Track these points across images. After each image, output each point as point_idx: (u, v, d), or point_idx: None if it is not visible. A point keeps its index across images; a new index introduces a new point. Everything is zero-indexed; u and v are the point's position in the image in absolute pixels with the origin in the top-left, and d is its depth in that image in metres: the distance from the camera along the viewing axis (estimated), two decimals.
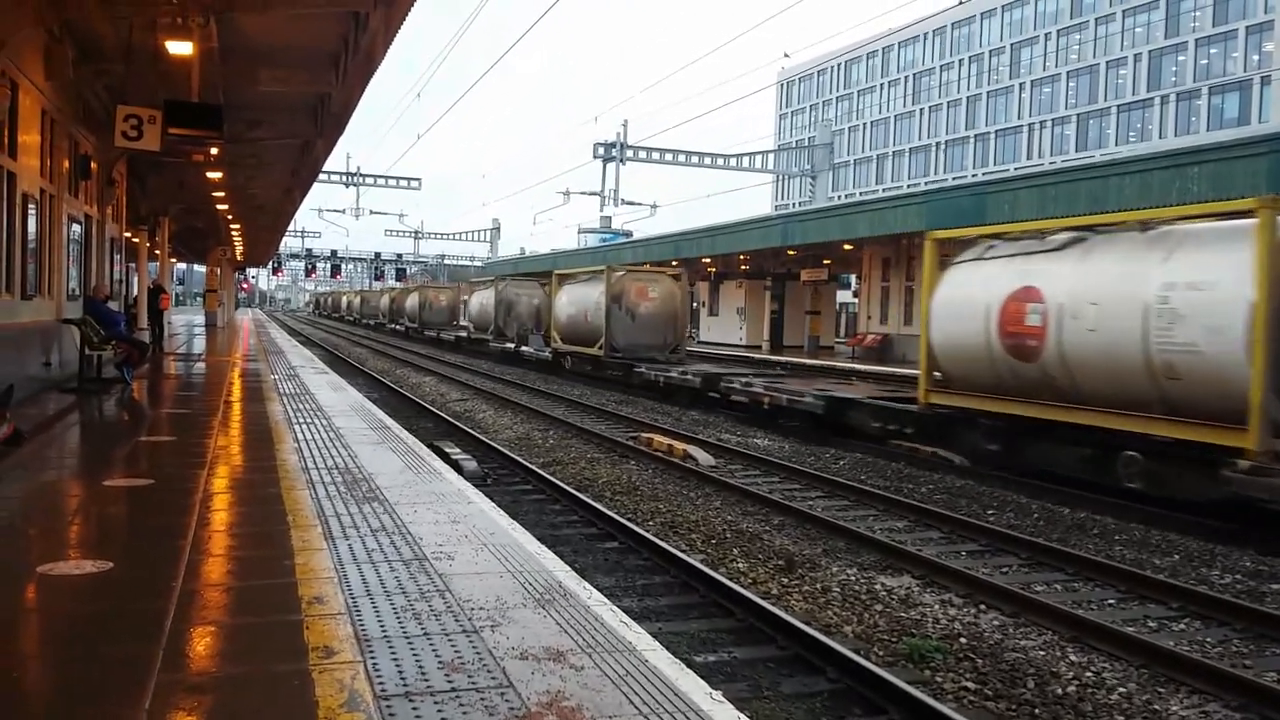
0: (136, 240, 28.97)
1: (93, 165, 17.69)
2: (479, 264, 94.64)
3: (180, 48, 11.86)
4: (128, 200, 23.84)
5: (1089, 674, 6.58)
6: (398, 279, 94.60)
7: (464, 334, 46.47)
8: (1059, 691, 6.25)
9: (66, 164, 15.67)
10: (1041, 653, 6.96)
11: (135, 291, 29.09)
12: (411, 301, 59.94)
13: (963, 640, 7.12)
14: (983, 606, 7.99)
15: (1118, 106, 77.63)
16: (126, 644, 4.18)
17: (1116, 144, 74.31)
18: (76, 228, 17.16)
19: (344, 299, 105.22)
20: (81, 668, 3.97)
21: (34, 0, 11.11)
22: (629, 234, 69.19)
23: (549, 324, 33.43)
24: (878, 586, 8.47)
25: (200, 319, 47.65)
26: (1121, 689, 6.33)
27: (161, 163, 20.21)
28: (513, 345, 36.44)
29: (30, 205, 13.36)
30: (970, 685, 6.33)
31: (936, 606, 7.97)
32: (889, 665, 6.52)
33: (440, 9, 41.15)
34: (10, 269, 12.49)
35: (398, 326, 62.67)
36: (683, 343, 28.93)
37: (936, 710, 5.52)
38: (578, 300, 30.04)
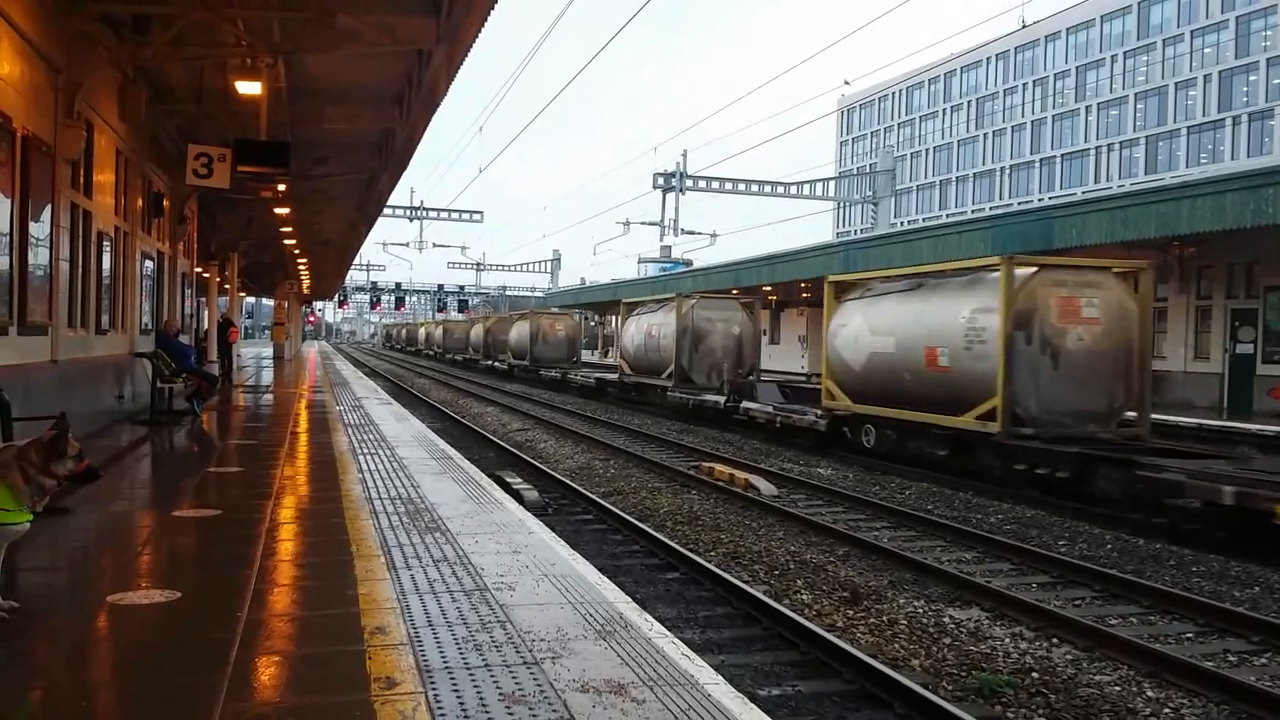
0: (207, 275, 29.67)
1: (165, 203, 18.18)
2: (539, 295, 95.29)
3: (249, 88, 12.14)
4: (198, 236, 24.44)
5: (1167, 710, 6.36)
6: (460, 310, 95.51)
7: (615, 375, 33.76)
8: None
9: (140, 202, 16.10)
10: (1117, 688, 6.75)
11: (205, 325, 29.74)
12: (517, 333, 47.47)
13: (1035, 675, 6.93)
14: (1055, 640, 7.78)
15: (1188, 128, 76.21)
16: (192, 673, 4.22)
17: (1187, 166, 72.86)
18: (149, 264, 17.60)
19: (421, 330, 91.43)
20: (149, 696, 4.02)
21: (109, 44, 11.48)
22: (689, 263, 69.29)
23: (821, 370, 20.63)
24: (946, 619, 8.29)
25: (268, 351, 48.55)
26: None
27: (231, 199, 20.69)
28: (716, 398, 24.51)
29: (105, 242, 13.74)
30: None
31: (1007, 640, 7.78)
32: (958, 700, 6.37)
33: (501, 43, 41.48)
34: (85, 305, 12.83)
35: (497, 364, 51.00)
36: (1146, 408, 15.59)
37: None
38: (892, 326, 17.52)
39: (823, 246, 42.88)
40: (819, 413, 19.68)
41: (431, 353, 77.60)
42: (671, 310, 28.37)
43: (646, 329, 30.41)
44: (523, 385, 40.78)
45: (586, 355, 56.90)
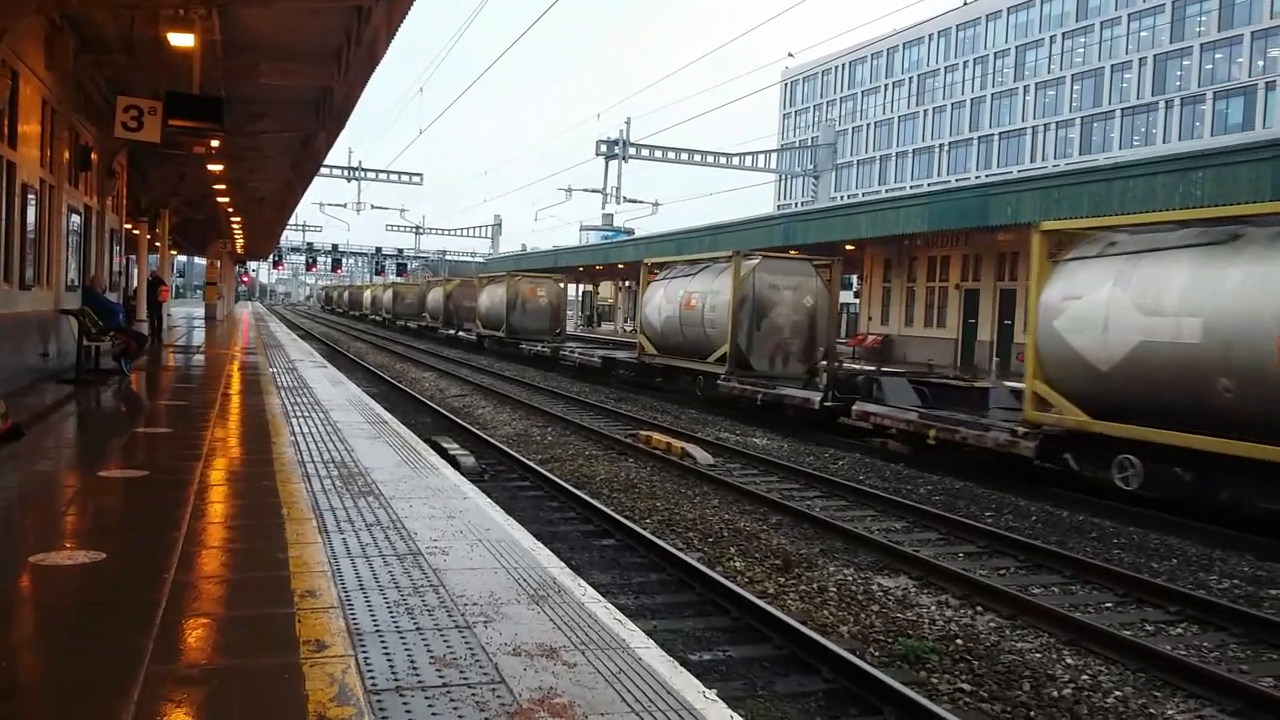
0: (136, 232, 28.94)
1: (93, 156, 17.67)
2: (480, 260, 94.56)
3: (182, 40, 11.81)
4: (128, 192, 23.82)
5: (1085, 677, 6.55)
6: (398, 274, 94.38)
7: (624, 353, 28.36)
8: (1055, 694, 6.23)
9: (66, 154, 15.63)
10: (1038, 655, 6.94)
11: (135, 283, 29.08)
12: (489, 298, 40.81)
13: (959, 642, 7.10)
14: (980, 608, 7.96)
15: (1122, 110, 77.58)
16: (117, 635, 4.15)
17: (1120, 148, 74.23)
18: (76, 218, 17.12)
19: (366, 294, 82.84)
20: (72, 658, 3.95)
21: None
22: (630, 232, 69.21)
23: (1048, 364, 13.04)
24: (874, 587, 8.45)
25: (200, 311, 47.61)
26: (1118, 692, 6.31)
27: (162, 154, 20.17)
28: (804, 394, 18.53)
29: (30, 195, 13.33)
30: (966, 687, 6.31)
31: (933, 607, 7.94)
32: (884, 666, 6.50)
33: (444, 4, 40.74)
34: (9, 259, 12.46)
35: (463, 334, 45.54)
36: None
37: (931, 711, 5.50)
38: (1188, 302, 11.26)
39: (765, 218, 43.12)
40: (1020, 429, 13.10)
41: (379, 318, 70.73)
42: (721, 274, 22.43)
43: (685, 298, 23.73)
44: (495, 360, 36.27)
45: None
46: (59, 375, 14.57)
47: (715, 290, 22.45)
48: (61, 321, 15.31)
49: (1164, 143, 70.91)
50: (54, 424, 10.98)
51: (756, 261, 21.85)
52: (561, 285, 41.25)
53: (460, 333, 45.99)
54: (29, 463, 8.17)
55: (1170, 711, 6.08)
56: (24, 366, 13.31)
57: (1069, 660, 6.86)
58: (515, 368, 32.29)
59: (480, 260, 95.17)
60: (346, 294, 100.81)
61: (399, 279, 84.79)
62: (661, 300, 25.23)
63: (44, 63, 13.17)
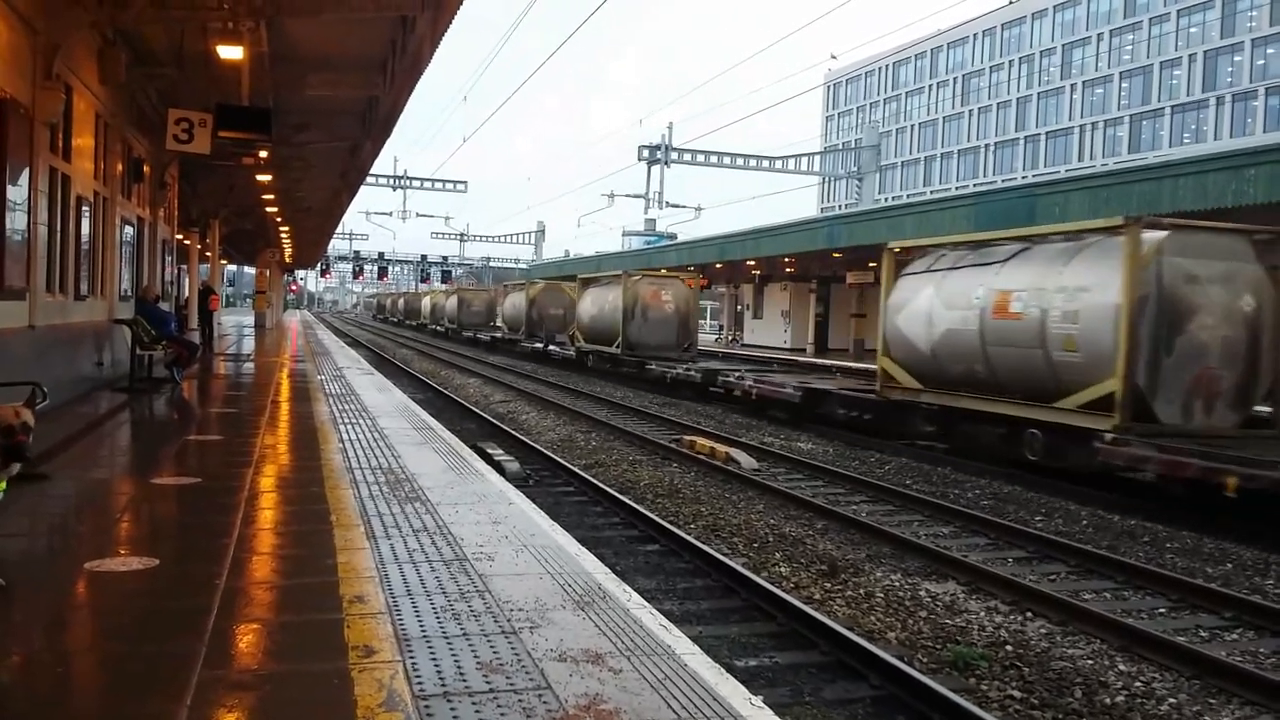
0: (188, 242, 29.44)
1: (145, 168, 17.99)
2: (524, 266, 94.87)
3: (231, 52, 12.01)
4: (179, 203, 24.22)
5: (1138, 684, 6.45)
6: (443, 281, 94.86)
7: (855, 389, 18.85)
8: (1107, 701, 6.14)
9: (119, 167, 15.93)
10: (1090, 662, 6.83)
11: (186, 293, 29.54)
12: (594, 304, 32.66)
13: (1009, 648, 7.01)
14: (1029, 614, 7.86)
15: (1171, 107, 76.34)
16: (170, 640, 4.22)
17: (1170, 146, 73.00)
18: (129, 230, 17.44)
19: (425, 301, 73.75)
20: (126, 663, 4.02)
21: (89, 5, 11.32)
22: (673, 236, 69.04)
23: None
24: (922, 593, 8.37)
25: (249, 320, 48.25)
26: (1171, 700, 6.20)
27: (212, 166, 20.49)
28: None
29: (84, 207, 13.60)
30: (1016, 694, 6.24)
31: (982, 613, 7.86)
32: (933, 672, 6.43)
33: (487, 12, 40.92)
34: (64, 270, 12.71)
35: (556, 349, 37.31)
36: None
37: (981, 718, 5.44)
38: None
39: (808, 221, 42.88)
40: None
41: (441, 328, 62.33)
42: (1077, 257, 13.61)
43: (992, 299, 14.56)
44: (593, 379, 30.17)
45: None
46: (113, 384, 14.85)
47: (1076, 285, 13.28)
48: (115, 331, 15.59)
49: (1215, 140, 69.66)
50: (108, 432, 11.18)
51: (1162, 236, 12.68)
52: (692, 287, 31.72)
53: (552, 347, 37.66)
54: (85, 470, 8.33)
55: (1225, 719, 5.97)
56: (79, 376, 13.58)
57: (1122, 667, 6.75)
58: (627, 390, 26.41)
59: (524, 267, 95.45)
60: (401, 301, 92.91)
61: (452, 284, 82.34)
62: (933, 304, 15.96)
63: (97, 76, 13.44)
